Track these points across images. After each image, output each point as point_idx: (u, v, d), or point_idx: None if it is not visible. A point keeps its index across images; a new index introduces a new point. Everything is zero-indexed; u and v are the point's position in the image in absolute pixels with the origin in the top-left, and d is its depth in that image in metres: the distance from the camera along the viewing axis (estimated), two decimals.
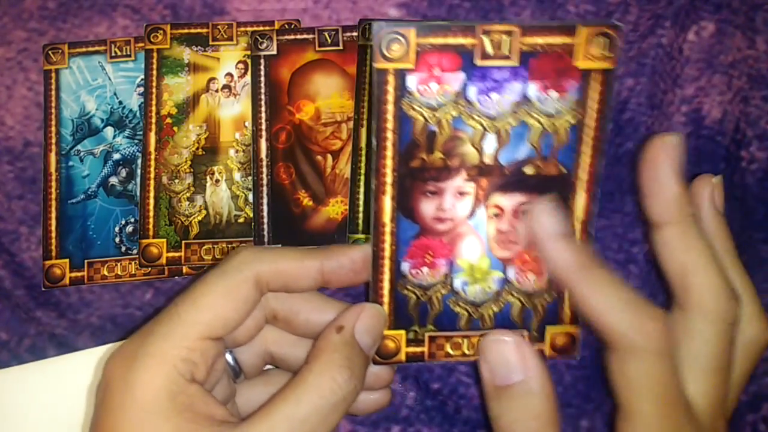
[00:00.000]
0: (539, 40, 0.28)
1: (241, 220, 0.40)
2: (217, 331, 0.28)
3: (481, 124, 0.29)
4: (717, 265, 0.29)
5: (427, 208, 0.30)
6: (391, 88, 0.28)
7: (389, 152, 0.29)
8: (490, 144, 0.29)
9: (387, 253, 0.30)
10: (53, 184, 0.40)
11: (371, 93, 0.29)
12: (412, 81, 0.28)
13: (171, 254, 0.39)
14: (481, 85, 0.29)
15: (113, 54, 0.41)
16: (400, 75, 0.28)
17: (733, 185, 0.38)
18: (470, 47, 0.28)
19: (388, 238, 0.30)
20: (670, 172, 0.29)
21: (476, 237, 0.30)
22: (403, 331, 0.31)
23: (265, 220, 0.39)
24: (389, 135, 0.29)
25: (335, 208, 0.39)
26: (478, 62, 0.28)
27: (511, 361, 0.29)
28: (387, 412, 0.38)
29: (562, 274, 0.28)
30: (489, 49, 0.28)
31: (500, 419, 0.29)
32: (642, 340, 0.27)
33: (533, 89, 0.29)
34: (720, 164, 0.38)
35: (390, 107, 0.28)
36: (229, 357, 0.32)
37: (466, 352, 0.31)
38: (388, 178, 0.29)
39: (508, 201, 0.30)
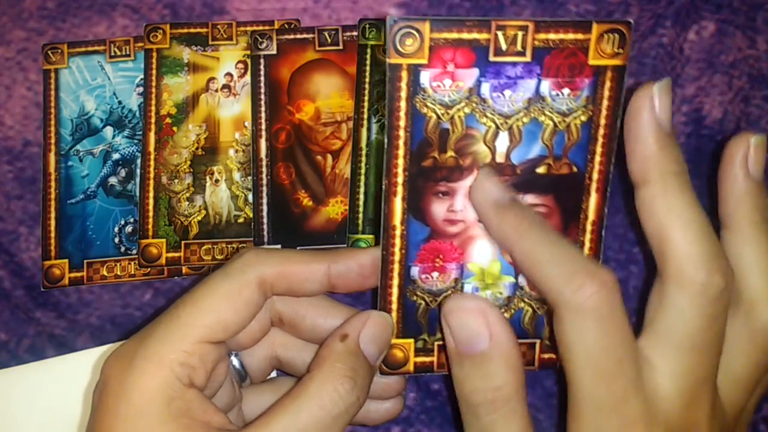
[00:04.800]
0: (553, 36, 0.28)
1: (240, 220, 0.40)
2: (217, 335, 0.28)
3: (494, 122, 0.29)
4: (705, 232, 0.26)
5: (438, 209, 0.29)
6: (403, 84, 0.28)
7: (401, 151, 0.28)
8: (502, 142, 0.29)
9: (397, 257, 0.29)
10: (52, 184, 0.40)
11: (384, 90, 0.28)
12: (425, 77, 0.28)
13: (170, 254, 0.39)
14: (494, 82, 0.28)
15: (113, 54, 0.41)
16: (414, 70, 0.28)
17: None
18: (484, 43, 0.28)
19: (398, 241, 0.29)
20: (649, 125, 0.26)
21: (487, 240, 0.29)
22: (411, 340, 0.30)
23: (265, 221, 0.39)
24: (401, 133, 0.28)
25: (335, 208, 0.39)
26: (492, 58, 0.28)
27: (474, 329, 0.27)
28: None
29: (501, 239, 0.27)
30: (503, 44, 0.28)
31: (461, 386, 0.27)
32: (577, 299, 0.25)
33: (546, 86, 0.28)
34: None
35: (402, 104, 0.28)
36: (234, 360, 0.31)
37: None
38: (400, 178, 0.28)
39: None
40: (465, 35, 0.27)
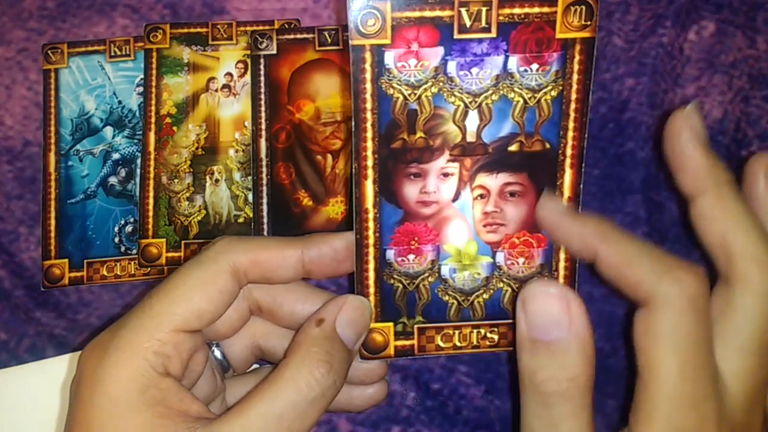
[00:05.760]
0: (518, 10, 0.28)
1: (240, 220, 0.40)
2: (191, 324, 0.27)
3: (463, 101, 0.28)
4: (764, 234, 0.26)
5: (411, 191, 0.29)
6: (368, 65, 0.28)
7: (369, 134, 0.28)
8: (472, 121, 0.29)
9: (371, 240, 0.29)
10: (52, 183, 0.40)
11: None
12: (389, 57, 0.28)
13: (170, 254, 0.39)
14: (461, 60, 0.28)
15: (113, 54, 0.41)
16: (377, 51, 0.27)
17: None
18: (448, 20, 0.28)
19: (371, 224, 0.29)
20: (693, 141, 0.28)
21: (462, 220, 0.29)
22: (390, 324, 0.30)
23: (265, 220, 0.39)
24: (368, 115, 0.28)
25: (335, 208, 0.39)
26: (457, 35, 0.28)
27: (555, 315, 0.27)
28: (387, 413, 0.38)
29: (585, 245, 0.28)
30: (467, 21, 0.28)
31: (533, 375, 0.27)
32: (672, 288, 0.25)
33: (514, 62, 0.28)
34: None
35: (368, 86, 0.28)
36: (216, 351, 0.31)
37: (458, 344, 0.30)
38: (369, 161, 0.28)
39: (493, 181, 0.29)
40: (427, 13, 0.27)
